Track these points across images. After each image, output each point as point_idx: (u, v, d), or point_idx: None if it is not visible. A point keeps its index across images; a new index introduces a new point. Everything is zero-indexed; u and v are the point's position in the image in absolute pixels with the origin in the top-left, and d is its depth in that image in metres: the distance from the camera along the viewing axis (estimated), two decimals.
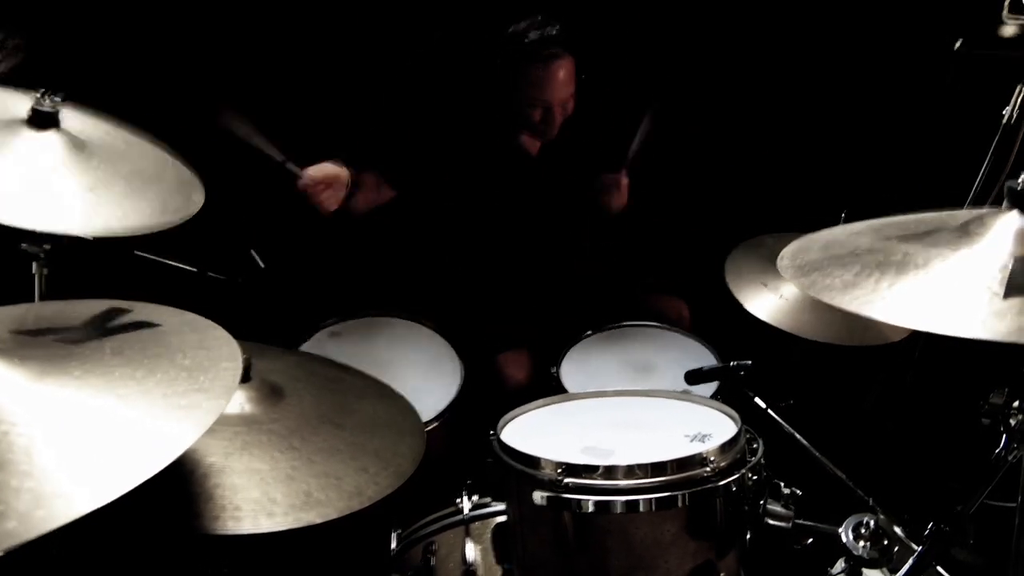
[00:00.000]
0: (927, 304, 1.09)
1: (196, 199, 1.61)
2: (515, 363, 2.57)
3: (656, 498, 1.49)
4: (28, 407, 0.87)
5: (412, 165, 2.78)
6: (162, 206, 1.53)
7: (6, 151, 1.45)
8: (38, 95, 1.52)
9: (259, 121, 2.95)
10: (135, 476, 0.81)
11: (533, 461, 1.56)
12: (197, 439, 0.86)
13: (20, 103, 1.53)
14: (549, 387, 2.33)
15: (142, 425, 0.89)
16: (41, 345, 0.97)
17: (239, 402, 1.47)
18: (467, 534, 1.83)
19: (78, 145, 1.53)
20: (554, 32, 2.52)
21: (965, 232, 1.19)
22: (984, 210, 1.22)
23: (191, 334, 1.06)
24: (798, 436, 2.04)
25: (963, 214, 1.25)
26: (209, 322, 1.11)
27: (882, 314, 1.09)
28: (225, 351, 1.03)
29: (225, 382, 0.97)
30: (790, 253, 1.31)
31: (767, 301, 2.20)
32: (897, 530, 1.62)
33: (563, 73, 2.53)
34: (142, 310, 1.11)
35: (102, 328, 1.04)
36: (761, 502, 1.58)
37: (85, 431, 0.86)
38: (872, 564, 1.57)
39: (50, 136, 1.52)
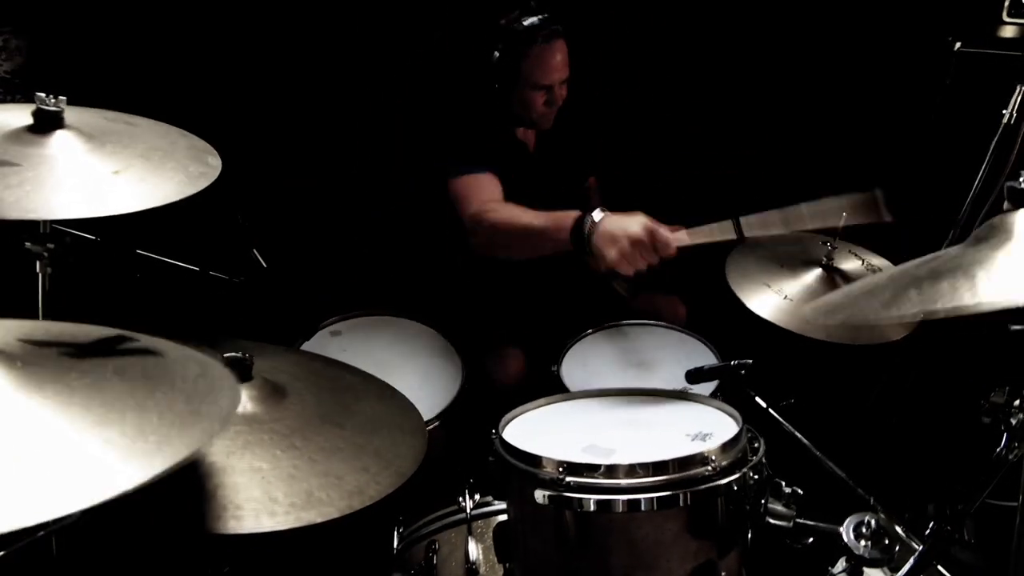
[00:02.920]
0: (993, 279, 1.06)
1: (214, 163, 1.62)
2: (502, 363, 2.55)
3: (657, 497, 1.49)
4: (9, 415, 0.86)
5: (412, 163, 2.79)
6: (185, 174, 1.55)
7: (24, 158, 1.46)
8: (42, 96, 1.53)
9: (257, 122, 2.97)
10: (70, 503, 0.78)
11: (535, 460, 1.56)
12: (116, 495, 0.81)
13: (19, 114, 1.55)
14: (549, 386, 2.33)
15: (101, 452, 0.86)
16: (44, 355, 0.97)
17: (241, 401, 1.48)
18: (470, 533, 1.84)
19: (87, 137, 1.55)
20: (547, 16, 2.53)
21: (978, 239, 1.18)
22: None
23: (193, 364, 1.04)
24: (799, 435, 2.04)
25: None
26: (211, 360, 1.09)
27: (960, 301, 1.06)
28: (224, 388, 1.01)
29: (220, 410, 0.95)
30: (814, 314, 1.28)
31: (771, 302, 2.20)
32: (898, 529, 1.63)
33: (561, 55, 2.53)
34: (146, 341, 1.08)
35: (111, 351, 1.03)
36: (762, 501, 1.58)
37: (41, 449, 0.84)
38: (873, 563, 1.57)
39: (59, 135, 1.53)
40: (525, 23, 2.50)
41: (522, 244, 2.28)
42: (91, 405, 0.90)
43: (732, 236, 1.98)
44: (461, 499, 1.90)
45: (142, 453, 0.85)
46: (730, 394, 2.09)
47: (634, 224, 2.00)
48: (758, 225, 1.96)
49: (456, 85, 2.95)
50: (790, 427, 2.05)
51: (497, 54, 2.52)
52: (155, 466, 0.84)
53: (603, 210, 2.07)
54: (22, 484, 0.79)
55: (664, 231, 1.99)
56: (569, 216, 2.12)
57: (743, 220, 1.95)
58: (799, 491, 1.62)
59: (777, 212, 1.95)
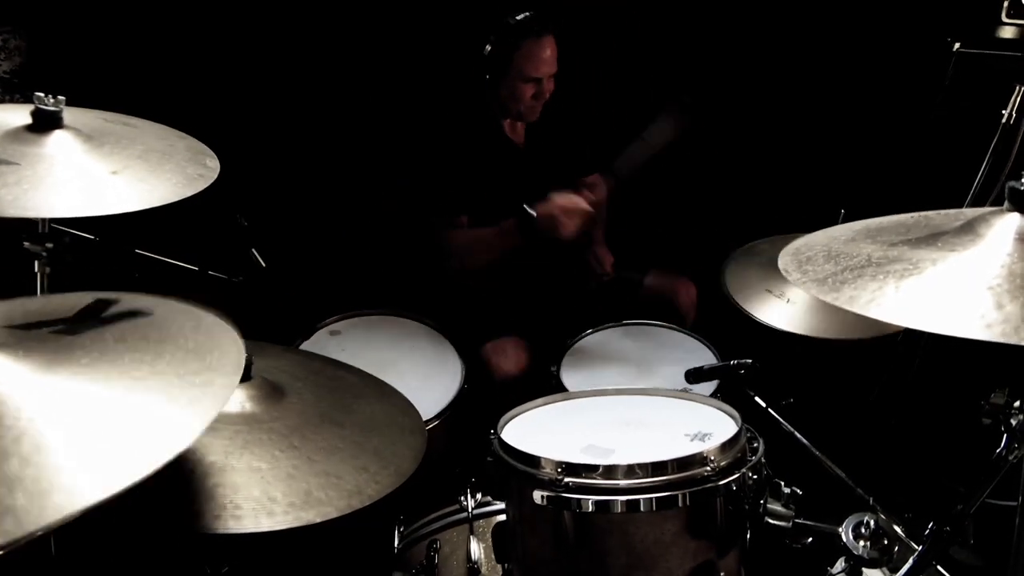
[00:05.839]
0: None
1: (212, 164, 1.63)
2: (503, 353, 2.56)
3: (656, 498, 1.49)
4: (40, 400, 0.85)
5: (405, 161, 2.82)
6: (183, 175, 1.56)
7: (22, 157, 1.47)
8: (41, 96, 1.53)
9: (257, 123, 2.97)
10: (154, 459, 0.79)
11: (533, 460, 1.56)
12: (201, 432, 0.84)
13: (18, 114, 1.56)
14: (549, 386, 2.33)
15: (160, 407, 0.87)
16: (38, 338, 0.97)
17: (240, 401, 1.48)
18: (471, 532, 1.84)
19: (85, 137, 1.55)
20: (538, 12, 2.67)
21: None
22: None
23: (185, 320, 1.05)
24: (798, 435, 2.04)
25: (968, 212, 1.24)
26: (201, 310, 1.10)
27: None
28: (224, 336, 1.03)
29: (233, 359, 0.97)
30: (795, 266, 1.27)
31: (774, 307, 2.20)
32: (897, 529, 1.63)
33: (551, 49, 2.65)
34: (129, 300, 1.09)
35: (96, 318, 1.03)
36: (761, 501, 1.58)
37: (103, 419, 0.85)
38: (872, 564, 1.57)
39: (57, 135, 1.53)
40: (518, 17, 2.63)
41: (480, 249, 2.65)
42: (114, 372, 0.91)
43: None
44: (462, 498, 1.90)
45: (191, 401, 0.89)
46: (730, 394, 2.09)
47: (558, 198, 2.49)
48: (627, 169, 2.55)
49: (448, 81, 2.98)
50: (790, 427, 2.05)
51: (489, 47, 2.65)
52: (211, 407, 0.87)
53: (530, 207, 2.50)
54: (108, 452, 0.81)
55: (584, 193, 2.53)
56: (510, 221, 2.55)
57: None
58: (798, 491, 1.62)
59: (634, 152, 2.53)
